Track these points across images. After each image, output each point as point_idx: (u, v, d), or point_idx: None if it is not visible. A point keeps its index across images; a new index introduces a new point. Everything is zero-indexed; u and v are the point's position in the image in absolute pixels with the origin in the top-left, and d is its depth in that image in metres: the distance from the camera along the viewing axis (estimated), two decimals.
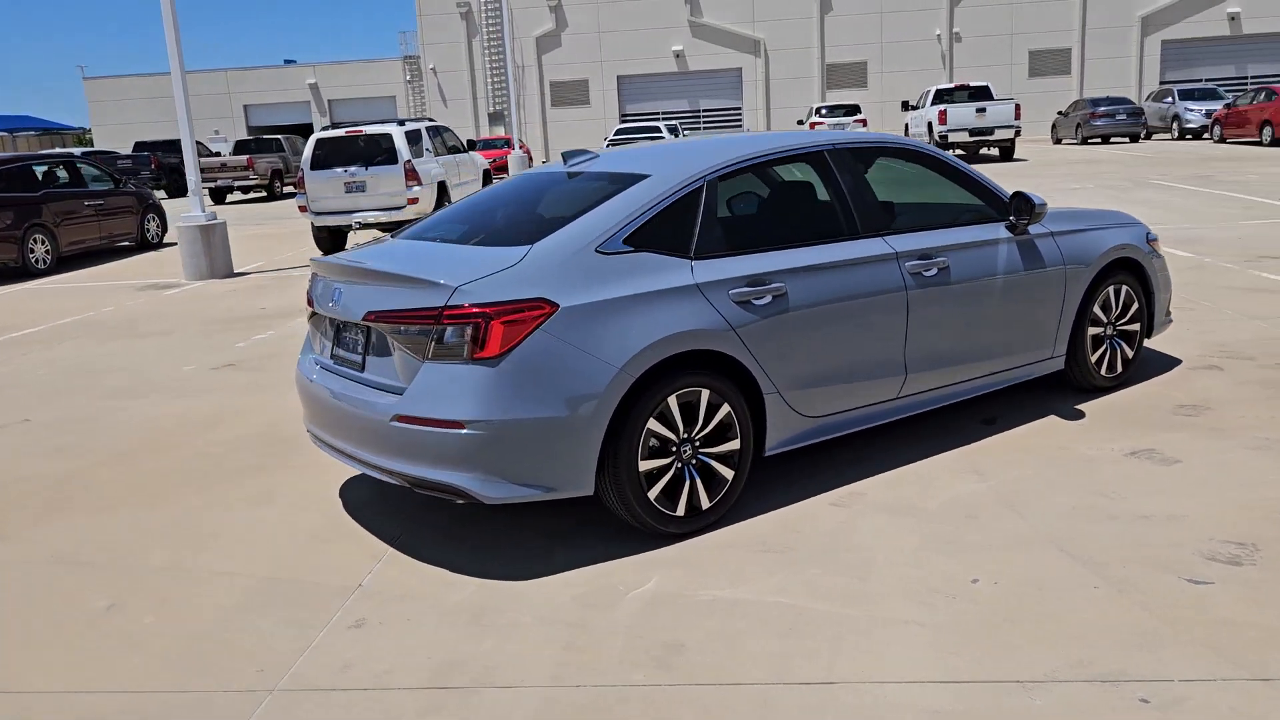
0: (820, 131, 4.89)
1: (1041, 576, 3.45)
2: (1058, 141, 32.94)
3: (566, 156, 4.71)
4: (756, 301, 4.03)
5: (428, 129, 15.20)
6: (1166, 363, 5.98)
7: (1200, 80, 39.85)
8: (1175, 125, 30.41)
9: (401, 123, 14.55)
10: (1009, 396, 5.50)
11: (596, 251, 3.82)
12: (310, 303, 4.37)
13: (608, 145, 27.09)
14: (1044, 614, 3.20)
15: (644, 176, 4.14)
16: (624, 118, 42.63)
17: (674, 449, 3.87)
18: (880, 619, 3.23)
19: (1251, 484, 4.14)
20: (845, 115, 30.57)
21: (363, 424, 3.81)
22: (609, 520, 4.14)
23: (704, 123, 42.67)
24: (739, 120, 42.60)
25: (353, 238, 16.49)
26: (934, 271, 4.55)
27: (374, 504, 4.52)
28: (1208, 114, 29.39)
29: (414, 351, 3.67)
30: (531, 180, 4.76)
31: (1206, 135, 29.52)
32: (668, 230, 3.99)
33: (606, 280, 3.77)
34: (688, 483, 3.91)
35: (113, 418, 6.27)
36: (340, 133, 14.25)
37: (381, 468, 3.79)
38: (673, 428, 3.85)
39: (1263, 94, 25.73)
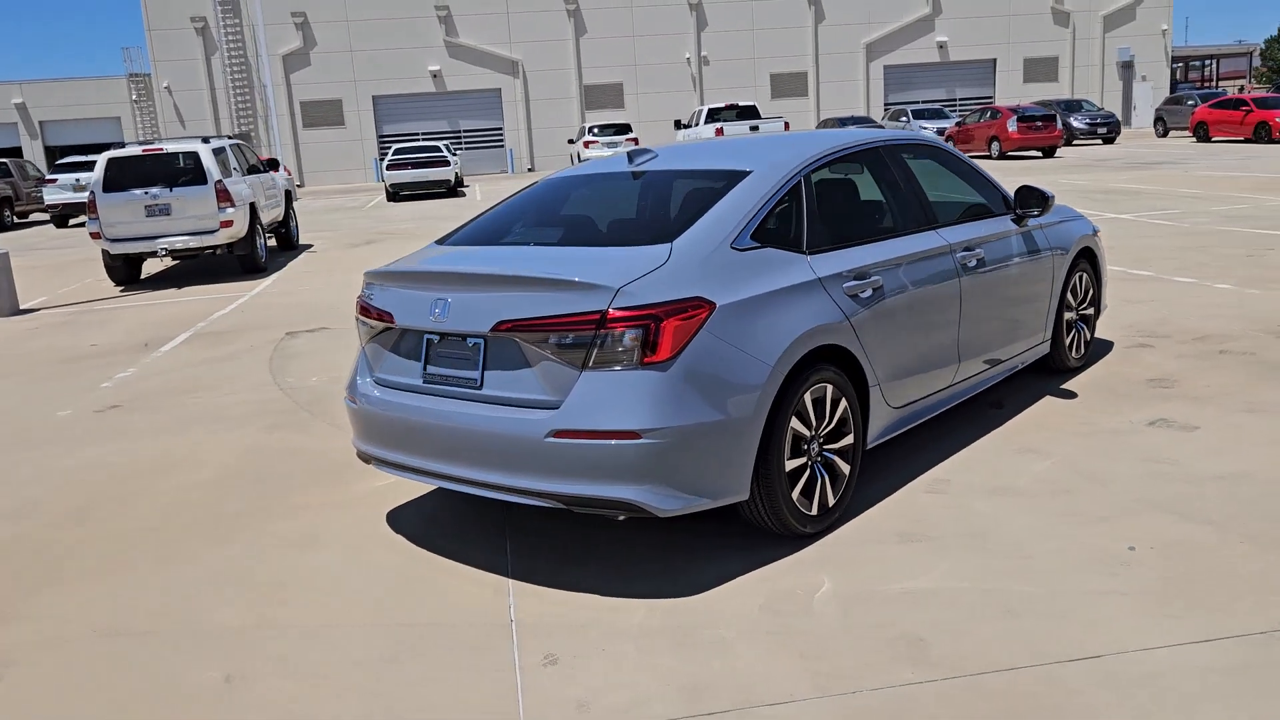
0: (865, 130, 4.96)
1: (1182, 539, 3.65)
2: None
3: (632, 156, 4.50)
4: (862, 295, 4.03)
5: (231, 146, 14.07)
6: (1102, 345, 6.52)
7: (918, 101, 43.79)
8: None
9: (206, 139, 13.38)
10: (1001, 382, 5.80)
11: (731, 248, 3.69)
12: (376, 316, 3.92)
13: (387, 166, 26.17)
14: (1220, 571, 3.39)
15: (745, 172, 4.03)
16: (382, 139, 41.34)
17: (804, 446, 3.79)
18: (1082, 592, 3.31)
19: (1277, 441, 4.58)
20: (616, 134, 31.19)
21: (497, 445, 3.46)
22: (705, 531, 3.99)
23: (465, 143, 42.12)
24: (500, 140, 42.41)
25: (154, 265, 14.99)
26: (974, 262, 4.73)
27: (443, 534, 4.11)
28: (940, 131, 32.34)
29: (568, 360, 3.38)
30: (601, 179, 4.52)
31: None
32: (783, 225, 3.92)
33: (745, 277, 3.64)
34: (820, 480, 3.84)
35: (19, 472, 5.34)
36: (136, 150, 12.91)
37: (525, 490, 3.45)
38: (807, 425, 3.77)
39: (988, 113, 28.68)
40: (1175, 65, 49.18)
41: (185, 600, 3.69)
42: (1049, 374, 5.86)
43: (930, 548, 3.72)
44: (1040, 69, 45.52)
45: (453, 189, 27.02)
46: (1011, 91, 44.67)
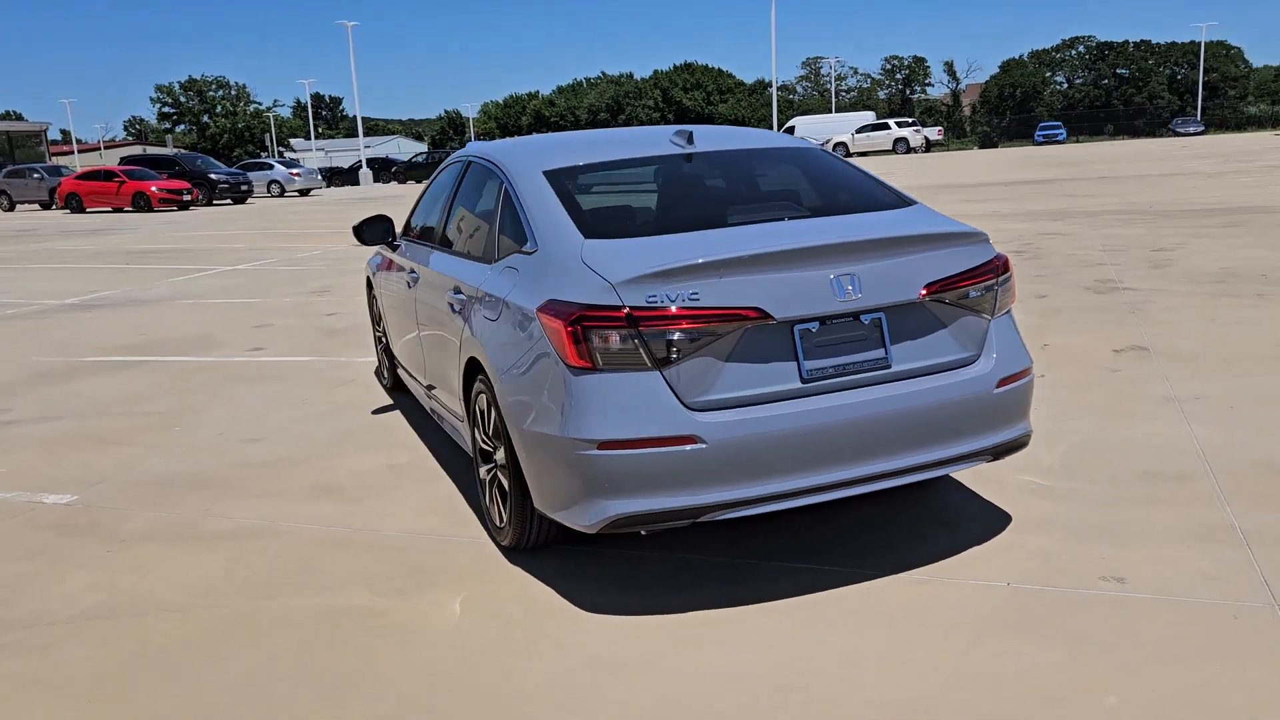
0: None
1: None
2: None
3: (689, 136, 3.92)
4: None
5: None
6: None
7: None
8: None
9: None
10: None
11: None
12: (719, 319, 2.94)
13: None
14: None
15: (843, 142, 4.13)
16: None
17: None
18: None
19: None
20: None
21: (942, 417, 3.21)
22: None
23: None
24: None
25: None
26: None
27: (705, 583, 3.27)
28: None
29: (981, 311, 3.35)
30: (670, 161, 3.88)
31: None
32: None
33: None
34: None
35: None
36: None
37: (964, 455, 3.28)
38: None
39: None
40: None
41: None
42: None
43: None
44: None
45: None
46: None
